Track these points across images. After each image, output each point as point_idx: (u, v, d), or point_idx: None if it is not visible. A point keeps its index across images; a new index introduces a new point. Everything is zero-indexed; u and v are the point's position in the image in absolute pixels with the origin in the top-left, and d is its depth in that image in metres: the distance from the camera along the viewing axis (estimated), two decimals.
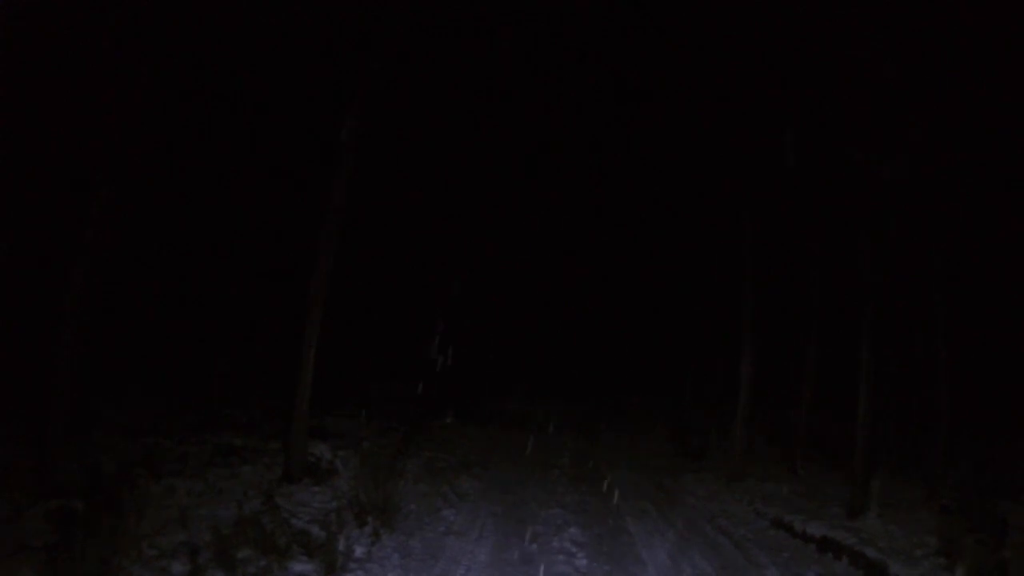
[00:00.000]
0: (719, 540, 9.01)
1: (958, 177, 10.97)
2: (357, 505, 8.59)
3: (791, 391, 14.40)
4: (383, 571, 6.97)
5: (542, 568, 7.28)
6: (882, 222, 11.16)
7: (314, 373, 9.96)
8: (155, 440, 10.06)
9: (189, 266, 13.30)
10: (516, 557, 7.63)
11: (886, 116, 10.84)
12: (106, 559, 5.92)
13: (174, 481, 8.27)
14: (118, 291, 11.25)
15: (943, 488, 10.68)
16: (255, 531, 7.08)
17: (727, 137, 13.38)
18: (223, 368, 13.73)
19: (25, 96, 8.59)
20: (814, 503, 10.67)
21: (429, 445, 13.37)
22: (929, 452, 11.51)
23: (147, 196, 11.01)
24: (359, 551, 7.39)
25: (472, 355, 20.24)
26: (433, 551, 7.70)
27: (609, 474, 12.64)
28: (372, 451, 11.40)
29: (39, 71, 8.67)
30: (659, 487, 12.10)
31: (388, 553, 7.48)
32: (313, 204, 11.91)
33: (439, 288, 18.34)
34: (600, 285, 24.62)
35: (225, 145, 12.23)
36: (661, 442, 16.48)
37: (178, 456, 9.55)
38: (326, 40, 11.03)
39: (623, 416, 20.51)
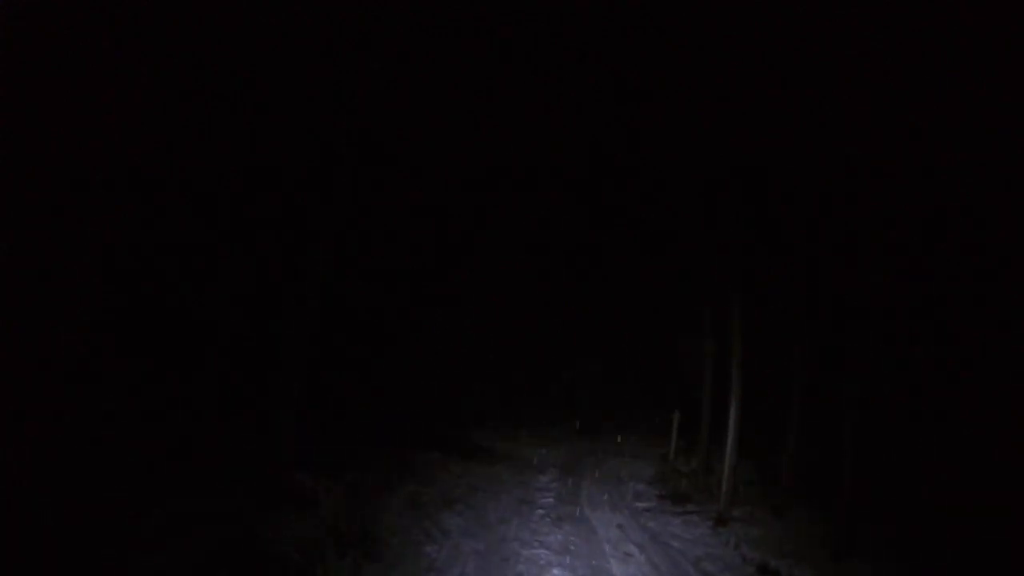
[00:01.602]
0: None
1: (958, 177, 10.96)
2: (338, 536, 8.56)
3: (780, 432, 14.40)
4: None
5: None
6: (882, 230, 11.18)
7: (301, 399, 9.87)
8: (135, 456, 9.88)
9: (195, 259, 13.19)
10: None
11: (886, 116, 10.84)
12: None
13: (151, 503, 8.11)
14: (123, 283, 11.20)
15: (931, 530, 10.68)
16: (233, 558, 7.02)
17: (727, 137, 13.37)
18: (231, 364, 13.55)
19: (25, 96, 8.58)
20: (801, 546, 10.68)
21: (413, 479, 13.23)
22: (920, 491, 11.52)
23: (146, 195, 10.99)
24: None
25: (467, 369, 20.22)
26: None
27: (593, 515, 12.49)
28: (356, 482, 11.28)
29: (39, 71, 8.66)
30: (644, 529, 11.95)
31: None
32: (314, 204, 11.92)
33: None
34: (599, 286, 24.60)
35: (224, 145, 12.20)
36: (646, 482, 16.20)
37: (158, 476, 9.33)
38: (326, 40, 11.02)
39: (609, 452, 20.36)
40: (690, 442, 18.06)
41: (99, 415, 11.07)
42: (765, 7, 11.54)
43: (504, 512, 12.02)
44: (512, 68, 13.99)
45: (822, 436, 12.85)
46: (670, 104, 14.46)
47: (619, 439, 22.62)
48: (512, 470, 16.13)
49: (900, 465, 12.87)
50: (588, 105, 15.78)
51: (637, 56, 13.87)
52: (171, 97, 10.37)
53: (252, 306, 13.61)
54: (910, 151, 10.94)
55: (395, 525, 9.96)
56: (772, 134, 12.74)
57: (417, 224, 16.95)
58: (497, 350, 23.05)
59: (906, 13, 10.15)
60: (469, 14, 12.22)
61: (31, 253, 9.44)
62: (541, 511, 12.45)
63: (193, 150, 11.56)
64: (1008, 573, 9.73)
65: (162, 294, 12.21)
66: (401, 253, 17.24)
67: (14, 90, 8.29)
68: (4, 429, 8.95)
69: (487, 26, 12.79)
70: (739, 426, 12.90)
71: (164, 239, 12.41)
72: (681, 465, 17.32)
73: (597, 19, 13.33)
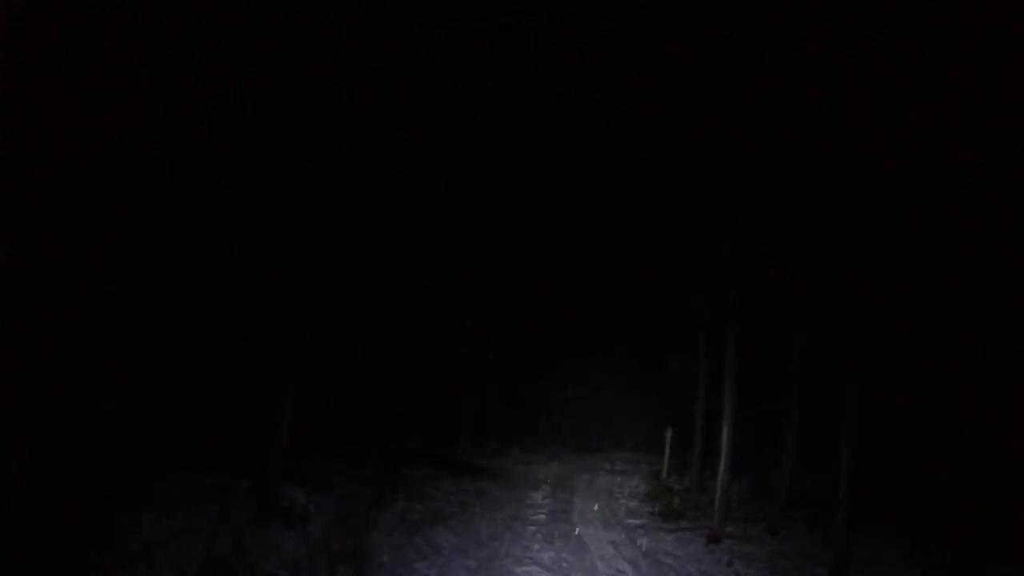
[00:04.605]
0: None
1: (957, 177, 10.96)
2: (328, 553, 8.59)
3: (773, 450, 14.36)
4: None
5: None
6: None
7: (292, 414, 9.89)
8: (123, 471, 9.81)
9: (187, 263, 13.17)
10: None
11: (886, 116, 10.84)
12: None
13: (140, 514, 8.08)
14: (119, 289, 11.18)
15: (927, 546, 10.72)
16: (222, 573, 6.98)
17: (727, 137, 13.36)
18: (215, 380, 13.46)
19: (25, 96, 8.57)
20: (795, 563, 10.70)
21: (404, 495, 13.21)
22: (915, 507, 11.52)
23: (147, 195, 10.98)
24: None
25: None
26: None
27: (586, 532, 12.43)
28: (347, 498, 11.32)
29: (40, 71, 8.65)
30: (636, 546, 11.88)
31: None
32: (314, 203, 11.90)
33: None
34: (598, 287, 24.53)
35: (224, 144, 12.18)
36: (639, 500, 16.11)
37: (146, 488, 9.29)
38: (326, 40, 11.01)
39: (601, 469, 20.37)
40: (683, 459, 18.01)
41: (98, 416, 11.06)
42: (765, 7, 11.54)
43: (496, 529, 11.95)
44: (512, 67, 13.99)
45: (820, 450, 12.82)
46: (670, 104, 14.46)
47: (612, 456, 22.65)
48: (504, 486, 16.05)
49: (900, 466, 12.88)
50: (588, 105, 15.77)
51: (637, 56, 13.86)
52: (171, 97, 10.36)
53: (252, 307, 13.58)
54: (910, 151, 10.93)
55: (386, 542, 9.94)
56: (772, 134, 12.74)
57: (418, 224, 16.94)
58: (497, 350, 23.01)
59: (906, 13, 10.15)
60: (470, 14, 12.22)
61: (31, 253, 9.43)
62: (533, 528, 12.38)
63: (193, 150, 11.56)
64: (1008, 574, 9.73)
65: (162, 294, 12.20)
66: (401, 253, 17.24)
67: (14, 90, 8.28)
68: (4, 429, 8.94)
69: (487, 26, 12.79)
70: (732, 443, 12.85)
71: (164, 239, 12.41)
72: (674, 482, 17.25)
73: (597, 19, 13.33)
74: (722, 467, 12.77)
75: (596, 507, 14.89)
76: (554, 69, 14.33)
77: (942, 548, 10.68)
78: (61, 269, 9.48)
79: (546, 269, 22.81)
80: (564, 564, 10.09)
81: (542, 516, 13.50)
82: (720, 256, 13.97)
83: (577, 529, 12.69)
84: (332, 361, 15.33)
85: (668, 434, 18.31)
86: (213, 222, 12.83)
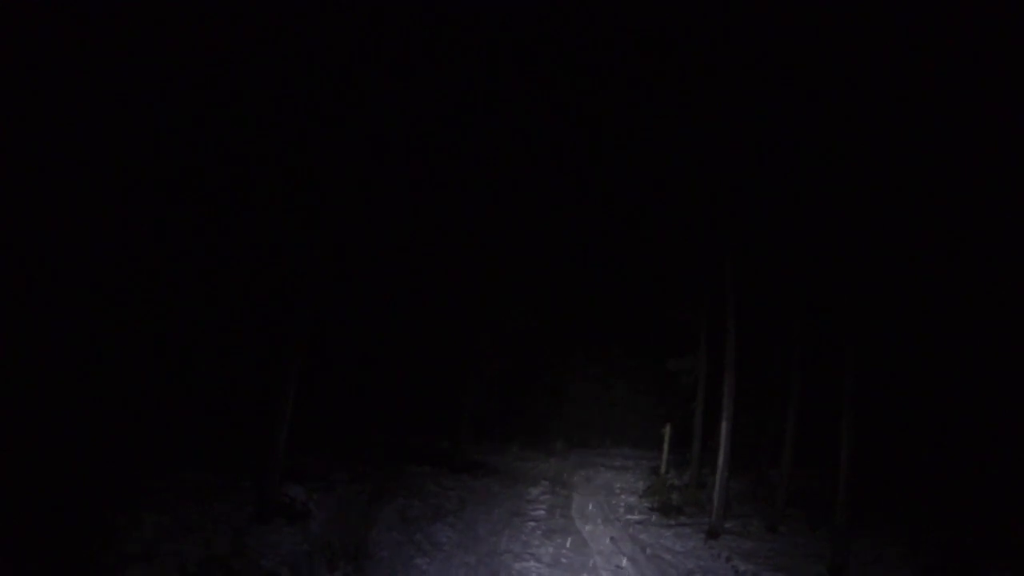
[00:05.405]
0: None
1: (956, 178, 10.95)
2: (329, 550, 8.60)
3: (772, 447, 14.32)
4: None
5: None
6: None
7: (292, 411, 9.94)
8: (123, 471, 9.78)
9: (187, 262, 13.16)
10: None
11: (886, 116, 10.83)
12: None
13: (141, 513, 8.09)
14: (119, 290, 11.18)
15: (926, 545, 10.73)
16: (223, 571, 6.99)
17: (727, 137, 13.35)
18: (215, 378, 13.43)
19: (26, 96, 8.58)
20: (795, 561, 10.69)
21: (404, 492, 13.26)
22: (914, 506, 11.51)
23: (147, 198, 10.98)
24: None
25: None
26: None
27: (585, 528, 12.44)
28: (347, 495, 11.34)
29: (40, 71, 8.66)
30: (635, 541, 11.87)
31: None
32: (315, 203, 11.91)
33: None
34: (599, 286, 24.55)
35: (222, 147, 12.18)
36: (638, 495, 16.14)
37: (146, 487, 9.31)
38: (323, 47, 11.01)
39: (600, 465, 20.38)
40: (682, 455, 18.00)
41: (98, 416, 11.05)
42: (766, 7, 11.53)
43: (495, 525, 11.99)
44: (510, 70, 13.99)
45: (820, 449, 12.81)
46: (670, 103, 14.45)
47: (610, 452, 22.66)
48: (504, 483, 16.07)
49: (900, 466, 12.87)
50: (588, 105, 15.77)
51: (637, 55, 13.85)
52: (171, 97, 10.36)
53: (252, 306, 13.56)
54: (910, 151, 10.93)
55: (386, 538, 9.96)
56: (772, 133, 12.73)
57: (418, 224, 16.93)
58: (497, 349, 23.02)
59: (906, 13, 10.15)
60: (470, 15, 12.22)
61: (31, 253, 9.43)
62: (532, 523, 12.40)
63: (193, 150, 11.56)
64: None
65: (162, 294, 12.19)
66: (402, 253, 17.23)
67: (14, 90, 8.28)
68: (4, 429, 8.94)
69: (487, 26, 12.79)
70: (731, 439, 12.83)
71: (164, 238, 12.40)
72: (673, 478, 17.25)
73: (597, 19, 13.32)
74: (721, 463, 12.77)
75: (595, 503, 14.90)
76: (554, 69, 14.33)
77: (942, 548, 10.68)
78: (61, 269, 9.48)
79: (547, 269, 22.81)
80: (563, 560, 10.09)
81: (541, 512, 13.52)
82: (720, 255, 13.96)
83: (576, 524, 12.70)
84: (332, 360, 15.33)
85: (667, 430, 18.29)
86: (214, 222, 12.83)
